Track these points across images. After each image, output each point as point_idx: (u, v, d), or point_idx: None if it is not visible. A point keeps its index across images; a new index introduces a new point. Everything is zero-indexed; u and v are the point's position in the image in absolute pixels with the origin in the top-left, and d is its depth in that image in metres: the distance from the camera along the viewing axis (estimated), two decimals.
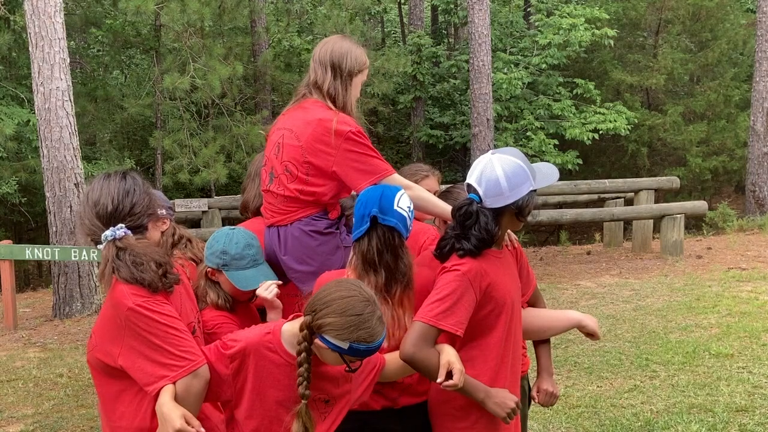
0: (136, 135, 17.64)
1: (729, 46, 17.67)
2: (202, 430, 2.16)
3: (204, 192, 15.54)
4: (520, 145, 15.05)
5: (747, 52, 17.56)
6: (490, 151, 2.56)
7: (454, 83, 17.07)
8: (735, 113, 17.61)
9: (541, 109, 15.83)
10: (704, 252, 10.60)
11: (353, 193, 3.00)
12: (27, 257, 8.65)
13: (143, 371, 2.21)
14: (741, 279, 8.67)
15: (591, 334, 2.89)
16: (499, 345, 2.56)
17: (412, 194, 2.86)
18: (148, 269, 2.22)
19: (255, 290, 2.79)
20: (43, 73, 8.74)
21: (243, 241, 2.79)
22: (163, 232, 3.03)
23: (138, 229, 2.34)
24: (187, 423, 2.14)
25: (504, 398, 2.47)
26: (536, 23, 16.96)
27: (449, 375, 2.37)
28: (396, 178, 2.93)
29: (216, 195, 14.29)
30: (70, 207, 8.77)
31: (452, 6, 17.69)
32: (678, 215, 10.29)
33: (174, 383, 2.19)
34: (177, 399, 2.18)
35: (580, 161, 15.71)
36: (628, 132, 15.71)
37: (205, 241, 2.90)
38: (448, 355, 2.40)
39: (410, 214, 2.60)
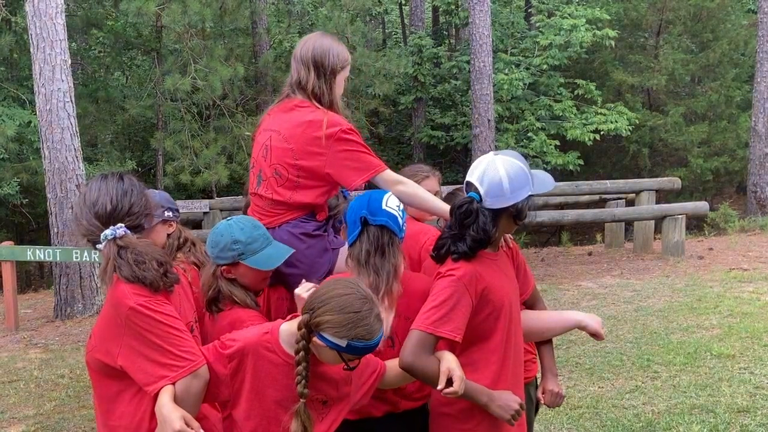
0: (137, 136, 17.67)
1: (730, 47, 17.65)
2: (202, 431, 2.16)
3: (205, 193, 15.53)
4: (522, 146, 15.04)
5: (748, 52, 17.53)
6: (492, 152, 2.56)
7: (455, 84, 17.06)
8: (736, 114, 17.59)
9: (542, 110, 15.81)
10: (706, 253, 10.58)
11: (340, 190, 3.01)
12: (28, 258, 8.65)
13: (143, 371, 2.20)
14: (742, 279, 8.66)
15: (594, 335, 2.85)
16: (499, 347, 2.55)
17: (406, 190, 2.87)
18: (150, 268, 2.22)
19: (269, 280, 2.75)
20: (45, 74, 8.75)
21: (248, 224, 2.71)
22: (169, 235, 3.03)
23: (136, 229, 2.33)
24: (187, 424, 2.13)
25: (507, 400, 2.45)
26: (537, 24, 16.96)
27: (449, 382, 2.35)
28: (389, 173, 2.92)
29: (217, 196, 14.25)
30: (72, 208, 8.76)
31: (453, 7, 17.68)
32: (679, 216, 10.28)
33: (174, 383, 2.19)
34: (176, 399, 2.18)
35: (581, 162, 15.71)
36: (629, 133, 15.71)
37: None
38: (448, 361, 2.38)
39: (401, 213, 2.61)
